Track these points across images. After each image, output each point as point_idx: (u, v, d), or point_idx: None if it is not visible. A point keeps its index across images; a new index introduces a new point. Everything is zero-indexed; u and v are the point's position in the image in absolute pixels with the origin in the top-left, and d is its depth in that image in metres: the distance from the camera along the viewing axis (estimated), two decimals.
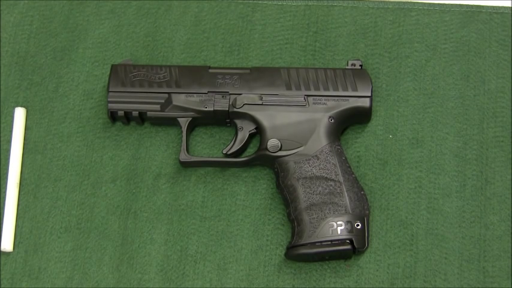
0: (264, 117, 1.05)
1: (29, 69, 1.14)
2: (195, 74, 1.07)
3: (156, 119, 1.07)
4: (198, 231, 1.05)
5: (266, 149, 1.04)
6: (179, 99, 1.06)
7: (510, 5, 1.12)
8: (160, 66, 1.08)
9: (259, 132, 1.06)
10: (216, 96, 1.06)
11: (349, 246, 0.99)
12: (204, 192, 1.07)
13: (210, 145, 1.09)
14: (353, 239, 0.99)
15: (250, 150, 1.08)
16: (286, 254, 1.01)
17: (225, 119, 1.07)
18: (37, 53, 1.15)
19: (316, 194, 1.01)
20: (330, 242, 0.99)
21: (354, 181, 1.02)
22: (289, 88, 1.06)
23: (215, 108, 1.06)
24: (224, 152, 1.06)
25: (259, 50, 1.13)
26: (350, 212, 1.00)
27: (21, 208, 1.07)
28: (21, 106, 1.12)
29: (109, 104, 1.07)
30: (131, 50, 1.14)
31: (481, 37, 1.11)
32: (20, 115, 1.11)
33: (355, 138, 1.08)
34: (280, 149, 1.03)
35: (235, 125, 1.06)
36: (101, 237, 1.06)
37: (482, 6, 1.12)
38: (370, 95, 1.05)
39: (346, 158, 1.03)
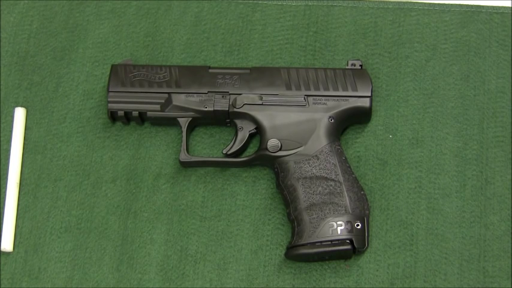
0: (264, 117, 1.05)
1: (29, 69, 1.14)
2: (195, 74, 1.07)
3: (156, 119, 1.07)
4: (198, 231, 1.05)
5: (266, 149, 1.04)
6: (179, 99, 1.06)
7: (510, 5, 1.12)
8: (160, 66, 1.08)
9: (259, 132, 1.06)
10: (216, 96, 1.06)
11: (349, 246, 0.99)
12: (204, 192, 1.07)
13: (210, 145, 1.09)
14: (353, 239, 0.99)
15: (250, 150, 1.08)
16: (286, 254, 1.01)
17: (225, 119, 1.07)
18: (37, 53, 1.15)
19: (316, 194, 1.01)
20: (330, 242, 0.99)
21: (354, 181, 1.02)
22: (289, 88, 1.06)
23: (215, 108, 1.06)
24: (224, 152, 1.06)
25: (259, 50, 1.13)
26: (350, 212, 1.00)
27: (21, 208, 1.07)
28: (21, 106, 1.12)
29: (109, 104, 1.07)
30: (131, 50, 1.14)
31: (481, 37, 1.11)
32: (20, 115, 1.11)
33: (355, 138, 1.08)
34: (280, 149, 1.03)
35: (235, 125, 1.06)
36: (101, 237, 1.06)
37: (482, 6, 1.12)
38: (370, 95, 1.05)
39: (346, 158, 1.03)
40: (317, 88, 1.05)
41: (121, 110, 1.07)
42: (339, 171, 1.02)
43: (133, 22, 1.15)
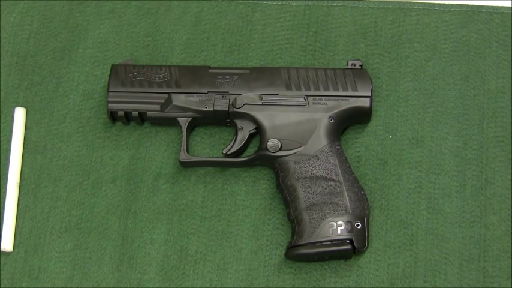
0: (264, 117, 1.05)
1: (29, 69, 1.14)
2: (195, 74, 1.07)
3: (156, 119, 1.07)
4: (198, 231, 1.05)
5: (266, 149, 1.04)
6: (179, 99, 1.06)
7: (510, 5, 1.12)
8: (160, 66, 1.08)
9: (259, 132, 1.06)
10: (216, 96, 1.06)
11: (349, 246, 0.99)
12: (204, 192, 1.07)
13: (210, 145, 1.09)
14: (353, 239, 0.99)
15: (250, 150, 1.08)
16: (286, 254, 1.01)
17: (225, 119, 1.07)
18: (37, 53, 1.15)
19: (316, 194, 1.01)
20: (330, 242, 0.99)
21: (354, 181, 1.02)
22: (289, 88, 1.06)
23: (215, 108, 1.06)
24: (224, 152, 1.06)
25: (259, 50, 1.13)
26: (350, 212, 1.00)
27: (21, 208, 1.07)
28: (21, 106, 1.12)
29: (109, 104, 1.07)
30: (131, 50, 1.14)
31: (481, 37, 1.11)
32: (20, 115, 1.11)
33: (355, 138, 1.08)
34: (280, 149, 1.03)
35: (235, 125, 1.06)
36: (101, 237, 1.06)
37: (482, 6, 1.12)
38: (370, 95, 1.05)
39: (346, 158, 1.03)
40: (317, 88, 1.05)
41: (121, 110, 1.07)
42: (339, 171, 1.02)
43: (133, 22, 1.15)
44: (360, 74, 1.06)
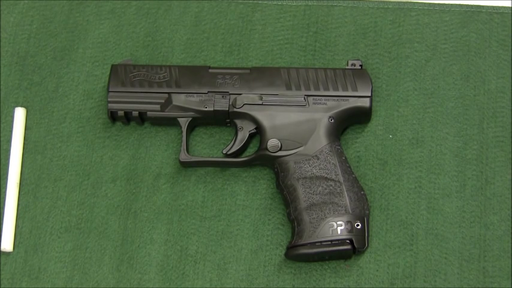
0: (264, 117, 1.05)
1: (29, 69, 1.14)
2: (195, 74, 1.07)
3: (156, 119, 1.07)
4: (198, 231, 1.05)
5: (266, 149, 1.04)
6: (179, 99, 1.06)
7: (510, 5, 1.12)
8: (160, 66, 1.08)
9: (259, 132, 1.06)
10: (216, 96, 1.06)
11: (349, 246, 0.99)
12: (204, 192, 1.07)
13: (210, 145, 1.09)
14: (353, 239, 0.99)
15: (250, 150, 1.08)
16: (286, 254, 1.01)
17: (225, 119, 1.07)
18: (37, 53, 1.15)
19: (316, 194, 1.01)
20: (330, 242, 0.99)
21: (354, 181, 1.02)
22: (289, 88, 1.06)
23: (215, 108, 1.06)
24: (224, 152, 1.06)
25: (259, 50, 1.13)
26: (350, 212, 1.00)
27: (21, 208, 1.07)
28: (21, 106, 1.12)
29: (109, 104, 1.07)
30: (131, 50, 1.14)
31: (481, 37, 1.11)
32: (20, 115, 1.11)
33: (355, 138, 1.08)
34: (280, 149, 1.03)
35: (235, 125, 1.06)
36: (101, 237, 1.06)
37: (482, 6, 1.12)
38: (370, 95, 1.05)
39: (346, 158, 1.03)
40: (317, 88, 1.05)
41: (121, 110, 1.07)
42: (339, 171, 1.02)
43: (133, 22, 1.15)
44: (360, 74, 1.06)
